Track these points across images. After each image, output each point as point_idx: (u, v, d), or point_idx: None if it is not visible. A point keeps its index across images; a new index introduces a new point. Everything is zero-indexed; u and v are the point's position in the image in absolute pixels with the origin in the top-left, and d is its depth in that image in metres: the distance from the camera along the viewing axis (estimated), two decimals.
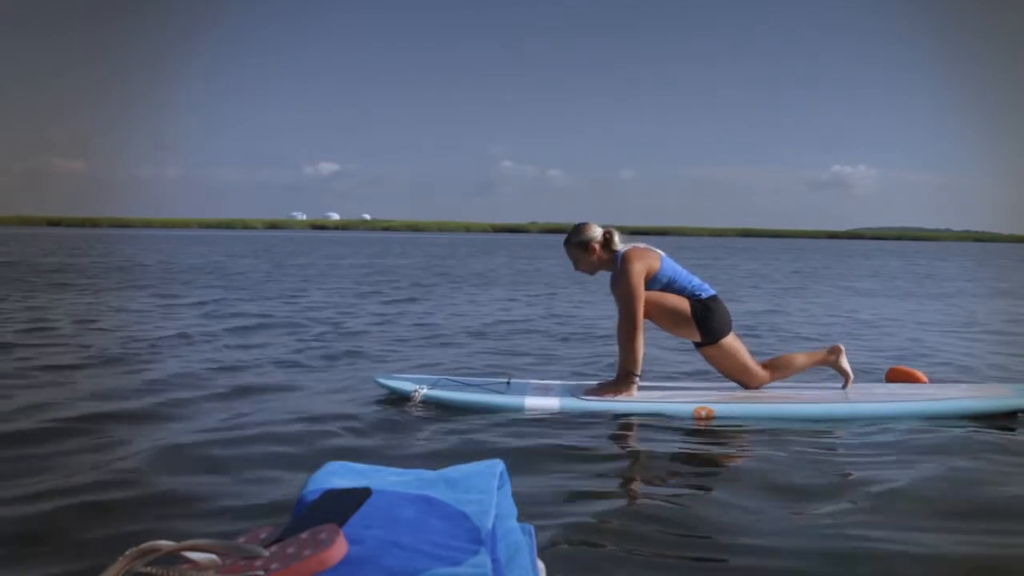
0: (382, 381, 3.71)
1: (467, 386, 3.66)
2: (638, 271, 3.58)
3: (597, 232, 3.74)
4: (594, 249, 3.72)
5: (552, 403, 3.48)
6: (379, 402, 3.65)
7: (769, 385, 3.86)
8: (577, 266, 3.82)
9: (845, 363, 3.76)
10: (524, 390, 3.65)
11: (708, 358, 3.76)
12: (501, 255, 26.46)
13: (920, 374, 4.05)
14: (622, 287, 3.60)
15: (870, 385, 3.90)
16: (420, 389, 3.54)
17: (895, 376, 4.12)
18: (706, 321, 3.63)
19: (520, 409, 3.45)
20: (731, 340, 3.70)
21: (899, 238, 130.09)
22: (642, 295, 3.58)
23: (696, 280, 3.73)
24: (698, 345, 3.74)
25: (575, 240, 3.75)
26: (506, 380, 3.78)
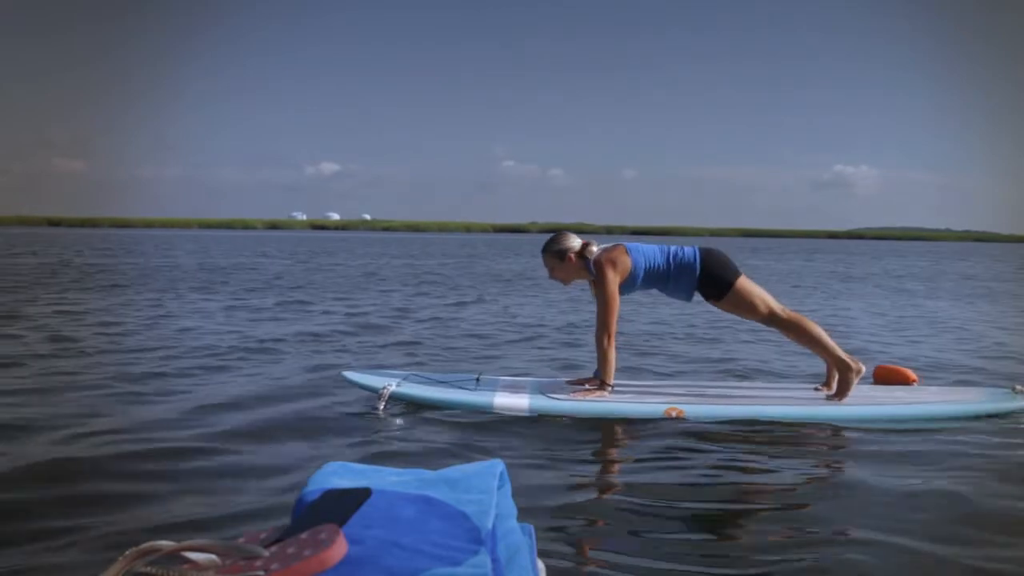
0: (350, 377, 3.66)
1: (437, 383, 3.65)
2: (613, 279, 3.58)
3: (575, 242, 3.73)
4: (570, 259, 3.70)
5: (521, 402, 3.45)
6: (376, 404, 3.63)
7: (740, 385, 3.92)
8: (552, 274, 3.80)
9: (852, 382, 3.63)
10: (493, 387, 3.64)
11: (734, 307, 3.64)
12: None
13: (910, 372, 4.05)
14: (599, 296, 3.62)
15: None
16: (389, 386, 3.50)
17: (883, 374, 4.12)
18: (707, 273, 3.59)
19: (489, 408, 3.42)
20: (745, 281, 3.63)
21: (899, 238, 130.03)
22: (616, 305, 3.58)
23: (673, 248, 3.71)
24: (716, 299, 3.65)
25: (553, 249, 3.74)
26: (475, 376, 3.77)
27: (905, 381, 4.01)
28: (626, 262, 3.63)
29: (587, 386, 3.67)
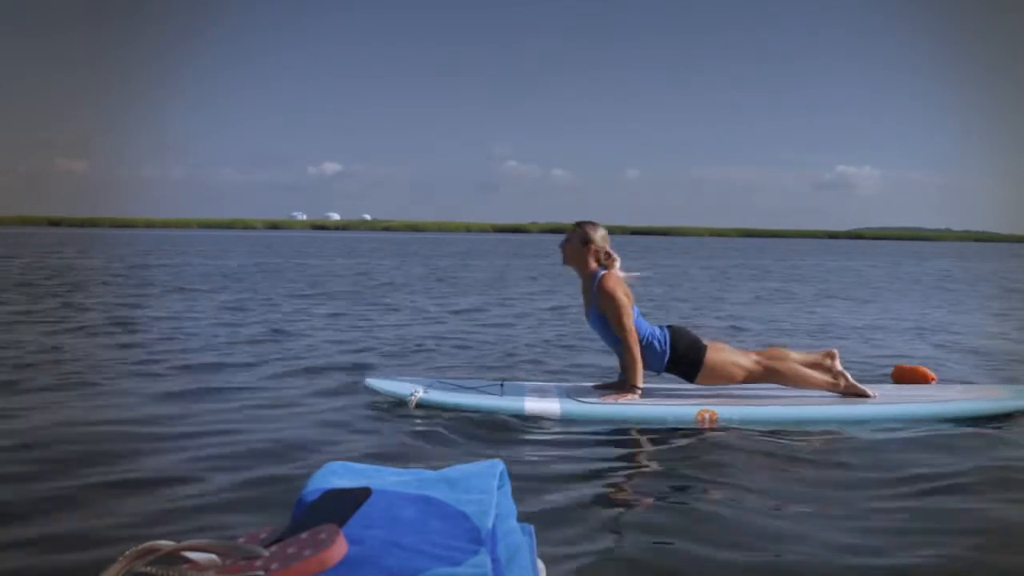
0: (373, 384, 3.64)
1: (462, 389, 3.64)
2: (620, 293, 3.54)
3: (604, 244, 3.67)
4: (589, 248, 3.65)
5: (552, 406, 3.45)
6: (377, 405, 3.61)
7: (772, 386, 3.86)
8: (564, 244, 3.72)
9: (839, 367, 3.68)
10: (521, 392, 3.64)
11: (710, 381, 3.64)
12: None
13: (928, 372, 4.04)
14: (610, 310, 3.54)
15: (872, 387, 3.86)
16: (416, 392, 3.49)
17: (901, 374, 4.11)
18: (678, 355, 3.59)
19: (520, 412, 3.42)
20: (713, 354, 3.59)
21: (899, 238, 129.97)
22: (630, 313, 3.54)
23: (652, 327, 3.68)
24: (690, 378, 3.65)
25: (584, 229, 3.67)
26: (499, 382, 3.77)
27: (924, 381, 3.99)
28: (630, 296, 3.60)
29: (616, 385, 3.64)
